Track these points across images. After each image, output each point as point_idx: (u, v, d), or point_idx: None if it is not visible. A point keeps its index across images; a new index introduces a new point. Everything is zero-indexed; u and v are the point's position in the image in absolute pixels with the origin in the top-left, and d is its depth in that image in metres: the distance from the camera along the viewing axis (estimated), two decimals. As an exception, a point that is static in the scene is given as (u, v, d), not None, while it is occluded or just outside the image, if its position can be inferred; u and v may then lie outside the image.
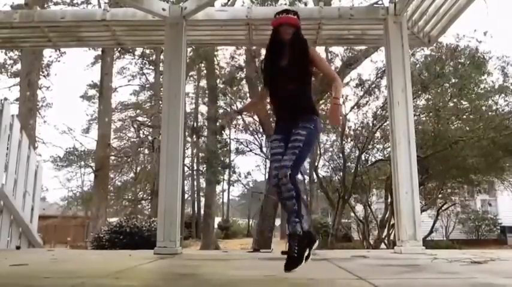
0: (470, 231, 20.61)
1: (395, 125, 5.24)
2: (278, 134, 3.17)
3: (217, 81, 16.16)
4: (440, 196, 14.12)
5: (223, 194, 39.20)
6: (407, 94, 5.30)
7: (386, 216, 12.70)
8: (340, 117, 2.95)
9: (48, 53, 19.14)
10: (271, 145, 3.20)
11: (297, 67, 3.09)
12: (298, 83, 3.06)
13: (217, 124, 16.18)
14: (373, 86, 13.12)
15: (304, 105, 3.07)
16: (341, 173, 13.50)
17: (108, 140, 17.05)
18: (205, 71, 17.87)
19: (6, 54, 19.35)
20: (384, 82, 12.58)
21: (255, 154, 16.63)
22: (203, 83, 19.75)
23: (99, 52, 18.48)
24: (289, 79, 3.10)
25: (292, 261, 2.82)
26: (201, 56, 15.07)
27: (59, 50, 18.43)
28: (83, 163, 25.45)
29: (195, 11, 5.50)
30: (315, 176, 15.33)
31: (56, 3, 17.57)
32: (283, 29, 3.14)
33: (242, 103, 16.03)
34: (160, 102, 11.93)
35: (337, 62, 13.31)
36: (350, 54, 12.86)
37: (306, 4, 13.62)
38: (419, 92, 12.08)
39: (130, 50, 19.71)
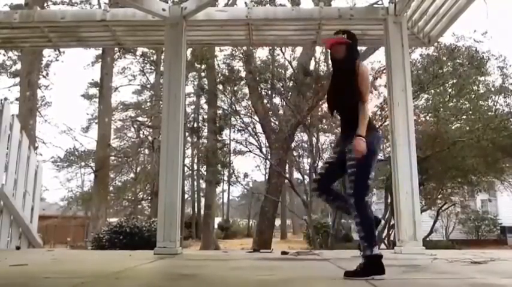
0: (470, 231, 20.57)
1: (395, 125, 5.24)
2: (336, 146, 3.34)
3: (217, 81, 16.14)
4: (440, 196, 14.11)
5: (223, 195, 39.20)
6: (407, 94, 5.30)
7: (386, 216, 12.69)
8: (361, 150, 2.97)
9: (47, 53, 19.14)
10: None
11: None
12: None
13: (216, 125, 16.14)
14: (372, 86, 13.10)
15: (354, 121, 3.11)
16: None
17: (108, 140, 17.04)
18: (205, 71, 17.86)
19: (5, 54, 19.35)
20: (382, 81, 12.58)
21: (255, 154, 16.58)
22: (203, 82, 19.74)
23: (100, 51, 18.48)
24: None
25: (353, 273, 2.93)
26: (199, 57, 15.08)
27: (58, 50, 18.42)
28: (83, 163, 25.42)
29: (195, 11, 5.50)
30: (314, 176, 15.31)
31: (55, 3, 17.57)
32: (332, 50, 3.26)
33: (241, 104, 16.01)
34: (161, 102, 11.94)
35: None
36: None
37: (298, 4, 13.59)
38: (418, 92, 12.07)
39: (132, 50, 19.71)
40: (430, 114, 12.78)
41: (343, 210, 3.35)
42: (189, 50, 13.89)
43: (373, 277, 2.87)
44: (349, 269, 2.98)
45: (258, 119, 15.24)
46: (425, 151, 11.61)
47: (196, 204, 31.58)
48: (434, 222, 14.85)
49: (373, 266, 2.90)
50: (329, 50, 3.27)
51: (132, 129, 21.85)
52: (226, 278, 2.98)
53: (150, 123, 19.74)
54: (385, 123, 11.74)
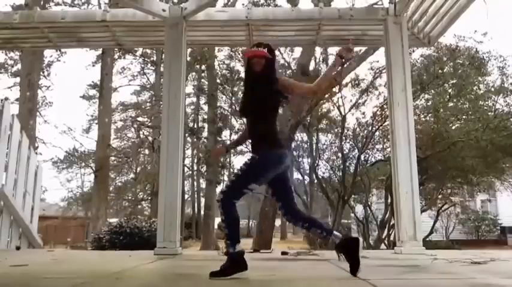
0: (470, 231, 20.58)
1: (395, 125, 5.25)
2: None
3: (217, 82, 16.16)
4: (440, 196, 14.11)
5: (223, 195, 39.13)
6: (407, 94, 5.31)
7: (386, 216, 12.69)
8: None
9: (48, 53, 19.15)
10: None
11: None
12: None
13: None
14: (372, 86, 13.12)
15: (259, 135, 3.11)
16: (341, 174, 13.49)
17: (108, 140, 17.05)
18: (205, 72, 17.87)
19: (6, 54, 19.33)
20: (382, 81, 12.58)
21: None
22: (203, 83, 19.75)
23: (100, 52, 18.48)
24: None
25: (220, 272, 2.93)
26: (199, 58, 15.09)
27: (60, 50, 18.42)
28: (83, 163, 25.44)
29: (195, 12, 5.51)
30: (314, 176, 15.31)
31: (56, 4, 17.57)
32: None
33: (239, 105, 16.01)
34: (161, 102, 11.95)
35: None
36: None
37: (296, 5, 13.58)
38: (419, 93, 12.08)
39: (132, 51, 19.69)
40: (430, 114, 12.79)
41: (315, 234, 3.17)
42: (188, 51, 13.91)
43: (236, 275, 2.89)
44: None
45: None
46: (425, 151, 11.62)
47: (196, 204, 31.58)
48: (434, 222, 14.86)
49: (236, 263, 2.93)
50: (249, 60, 3.14)
51: (132, 129, 21.83)
52: (226, 278, 2.97)
53: (150, 123, 19.72)
54: (385, 124, 11.77)
